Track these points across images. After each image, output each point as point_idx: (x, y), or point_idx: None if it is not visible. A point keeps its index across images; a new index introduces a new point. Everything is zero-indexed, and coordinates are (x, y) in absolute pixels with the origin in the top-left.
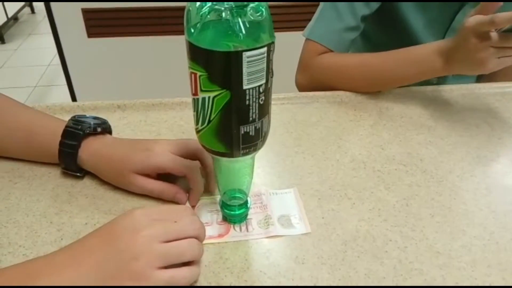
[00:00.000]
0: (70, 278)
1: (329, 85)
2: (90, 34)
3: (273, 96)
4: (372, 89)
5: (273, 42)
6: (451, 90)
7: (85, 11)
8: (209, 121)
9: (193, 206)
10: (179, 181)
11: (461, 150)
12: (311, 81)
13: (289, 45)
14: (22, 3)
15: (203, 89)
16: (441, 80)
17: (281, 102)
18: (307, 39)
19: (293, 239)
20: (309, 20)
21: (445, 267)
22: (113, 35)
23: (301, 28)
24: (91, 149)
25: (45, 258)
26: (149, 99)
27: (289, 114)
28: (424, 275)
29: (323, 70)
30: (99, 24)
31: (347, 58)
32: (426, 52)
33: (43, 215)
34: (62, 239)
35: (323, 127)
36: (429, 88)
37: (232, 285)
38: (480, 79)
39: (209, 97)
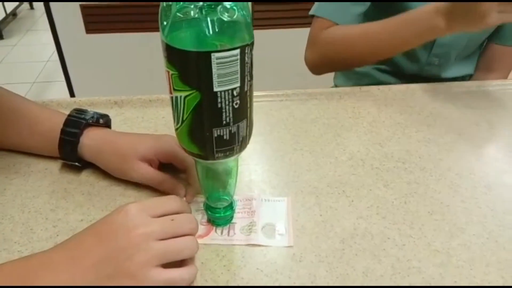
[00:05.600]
0: (67, 279)
1: (336, 59)
2: (89, 30)
3: (272, 93)
4: (376, 56)
5: (248, 45)
6: (450, 88)
7: (83, 7)
8: (183, 121)
9: (188, 201)
10: (178, 179)
11: (460, 148)
12: (319, 56)
13: (288, 43)
14: None
15: (175, 88)
16: (442, 61)
17: (280, 99)
18: (314, 17)
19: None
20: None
21: (443, 266)
22: (112, 31)
23: (302, 24)
24: (94, 136)
25: (41, 257)
26: (147, 95)
27: (288, 111)
28: (422, 274)
29: (329, 43)
30: (97, 20)
31: (350, 28)
32: (426, 11)
33: (38, 212)
34: (57, 235)
35: (321, 124)
36: (429, 85)
37: (229, 282)
38: (476, 70)
39: (181, 97)
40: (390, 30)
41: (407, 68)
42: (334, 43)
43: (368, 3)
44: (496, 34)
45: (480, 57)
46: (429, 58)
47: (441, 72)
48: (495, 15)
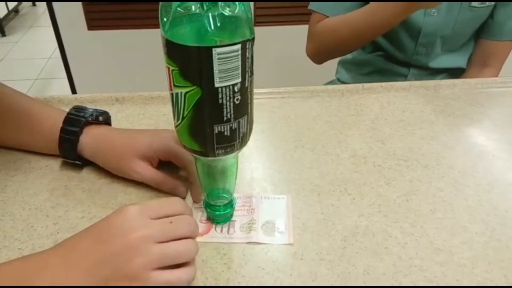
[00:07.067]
0: (63, 281)
1: (328, 47)
2: (90, 27)
3: (274, 90)
4: (359, 41)
5: (249, 40)
6: (453, 85)
7: (85, 4)
8: (183, 118)
9: (195, 201)
10: (179, 177)
11: (463, 145)
12: (315, 47)
13: (289, 39)
14: None
15: (176, 84)
16: (429, 50)
17: (282, 96)
18: (311, 11)
19: (292, 234)
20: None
21: (446, 264)
22: (113, 28)
23: (303, 21)
24: (93, 134)
25: (38, 258)
26: (148, 92)
27: (290, 108)
28: (424, 272)
29: (321, 35)
30: (99, 16)
31: (336, 19)
32: None
33: (39, 209)
34: (58, 232)
35: (323, 121)
36: (431, 83)
37: (230, 280)
38: (471, 66)
39: (181, 93)
40: (366, 15)
41: (398, 56)
42: (324, 34)
43: None
44: (485, 29)
45: (473, 53)
46: (416, 48)
47: (429, 61)
48: None
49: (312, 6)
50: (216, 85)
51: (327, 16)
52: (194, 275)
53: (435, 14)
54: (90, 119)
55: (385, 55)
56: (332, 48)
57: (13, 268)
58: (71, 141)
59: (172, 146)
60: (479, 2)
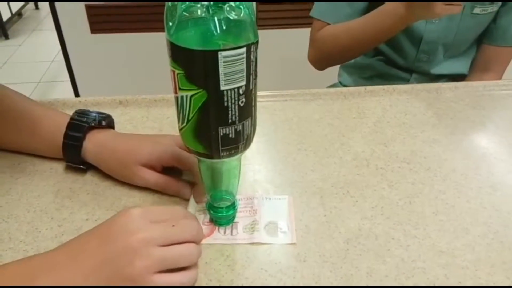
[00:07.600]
0: (68, 279)
1: (329, 55)
2: (94, 30)
3: (276, 93)
4: (359, 48)
5: (254, 43)
6: (455, 88)
7: (88, 7)
8: (188, 121)
9: (198, 202)
10: (181, 179)
11: (465, 148)
12: (317, 54)
13: (292, 42)
14: None
15: (181, 87)
16: (431, 57)
17: (284, 99)
18: (313, 18)
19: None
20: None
21: (448, 266)
22: (117, 31)
23: (306, 24)
24: (96, 140)
25: (44, 257)
26: (152, 95)
27: (292, 111)
28: (426, 274)
29: (322, 42)
30: (102, 20)
31: (337, 27)
32: (392, 3)
33: (44, 211)
34: (63, 234)
35: (326, 124)
36: (433, 85)
37: (233, 282)
38: (472, 71)
39: (186, 96)
40: (366, 24)
41: (400, 62)
42: (325, 41)
43: (357, 5)
44: (488, 35)
45: (475, 58)
46: (418, 55)
47: (430, 68)
48: (440, 7)
49: (313, 13)
50: (222, 88)
51: (329, 24)
52: (195, 279)
53: (436, 22)
54: (93, 124)
55: (387, 60)
56: (333, 55)
57: (18, 267)
58: (75, 147)
59: (175, 152)
60: (481, 9)
